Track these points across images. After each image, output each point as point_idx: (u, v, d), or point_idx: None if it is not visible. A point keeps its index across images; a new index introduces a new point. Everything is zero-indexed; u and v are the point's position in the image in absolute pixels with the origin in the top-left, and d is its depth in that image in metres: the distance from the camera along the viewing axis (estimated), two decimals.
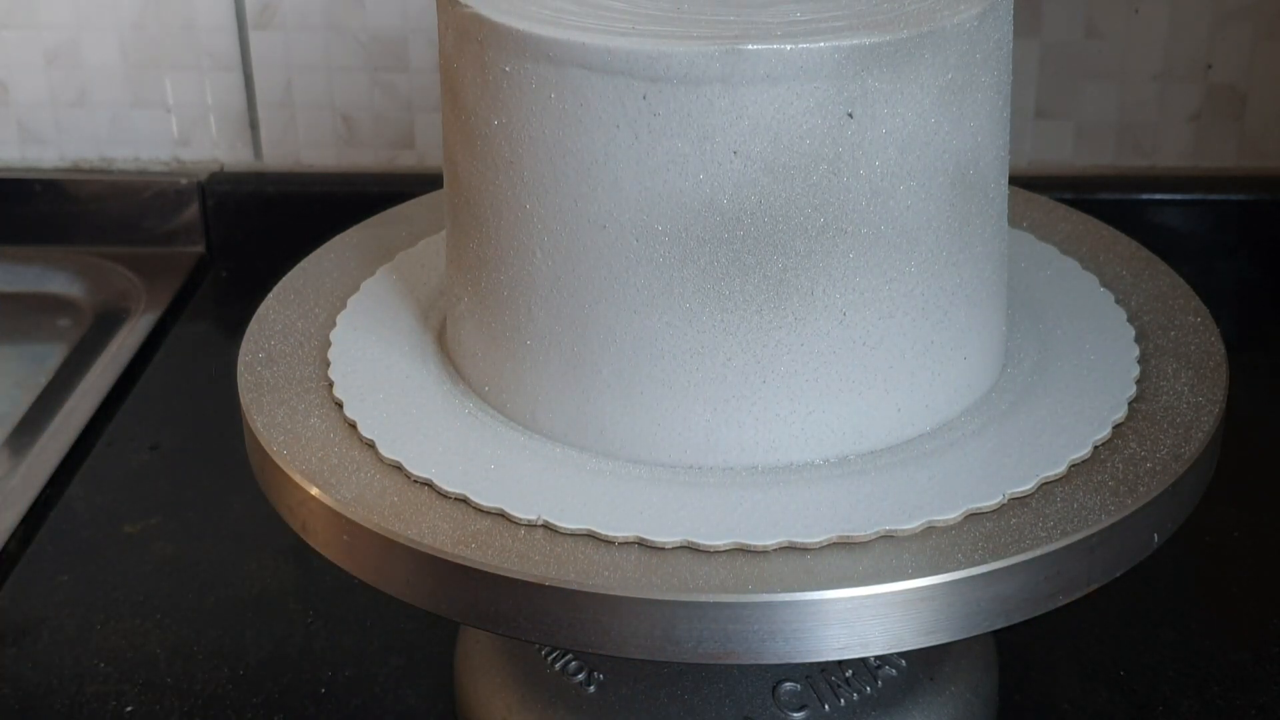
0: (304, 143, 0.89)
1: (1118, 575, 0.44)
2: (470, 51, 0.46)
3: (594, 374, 0.46)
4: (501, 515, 0.44)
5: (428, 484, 0.45)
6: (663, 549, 0.43)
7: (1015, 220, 0.58)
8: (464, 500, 0.45)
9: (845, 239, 0.44)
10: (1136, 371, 0.50)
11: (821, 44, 0.43)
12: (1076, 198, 0.71)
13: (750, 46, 0.42)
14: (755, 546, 0.42)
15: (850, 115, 0.43)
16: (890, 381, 0.46)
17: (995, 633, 0.53)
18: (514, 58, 0.45)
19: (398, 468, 0.46)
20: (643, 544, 0.43)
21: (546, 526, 0.43)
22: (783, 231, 0.44)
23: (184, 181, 0.89)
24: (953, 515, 0.43)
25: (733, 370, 0.45)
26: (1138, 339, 0.52)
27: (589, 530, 0.43)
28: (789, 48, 0.42)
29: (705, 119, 0.43)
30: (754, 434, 0.46)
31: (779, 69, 0.42)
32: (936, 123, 0.44)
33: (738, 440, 0.46)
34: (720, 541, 0.42)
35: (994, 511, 0.44)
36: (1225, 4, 0.82)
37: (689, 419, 0.46)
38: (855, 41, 0.43)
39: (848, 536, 0.43)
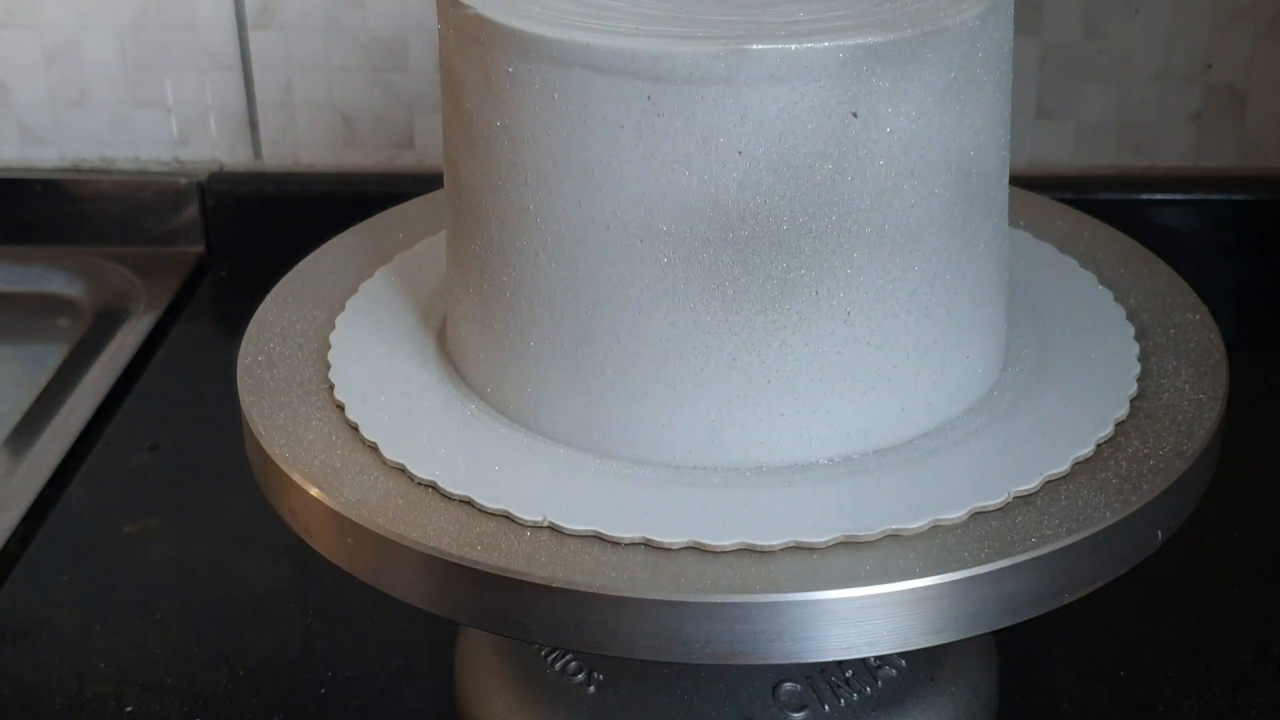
0: (304, 143, 0.89)
1: (1122, 573, 0.44)
2: (472, 53, 0.46)
3: (598, 375, 0.46)
4: (507, 517, 0.44)
5: (432, 486, 0.45)
6: (670, 550, 0.43)
7: (1014, 219, 0.58)
8: (469, 503, 0.45)
9: (849, 238, 0.44)
10: (1137, 369, 0.50)
11: (826, 43, 0.42)
12: (1076, 198, 0.71)
13: (755, 46, 0.42)
14: (762, 546, 0.42)
15: (854, 115, 0.43)
16: (894, 380, 0.46)
17: (995, 632, 0.53)
18: (517, 59, 0.45)
19: (401, 470, 0.46)
20: (649, 545, 0.43)
21: (552, 528, 0.43)
22: (787, 231, 0.44)
23: (184, 181, 0.89)
24: (958, 514, 0.43)
25: (737, 370, 0.45)
26: (1137, 337, 0.52)
27: (595, 531, 0.43)
28: (794, 47, 0.42)
29: (710, 119, 0.43)
30: (757, 434, 0.45)
31: (783, 69, 0.42)
32: (939, 122, 0.44)
33: (741, 440, 0.46)
34: (727, 542, 0.42)
35: (999, 510, 0.44)
36: (1225, 4, 0.82)
37: (693, 419, 0.46)
38: (859, 41, 0.43)
39: (854, 536, 0.43)
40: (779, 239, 0.44)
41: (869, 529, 0.43)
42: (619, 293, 0.45)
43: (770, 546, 0.42)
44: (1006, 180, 0.49)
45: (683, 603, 0.41)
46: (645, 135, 0.43)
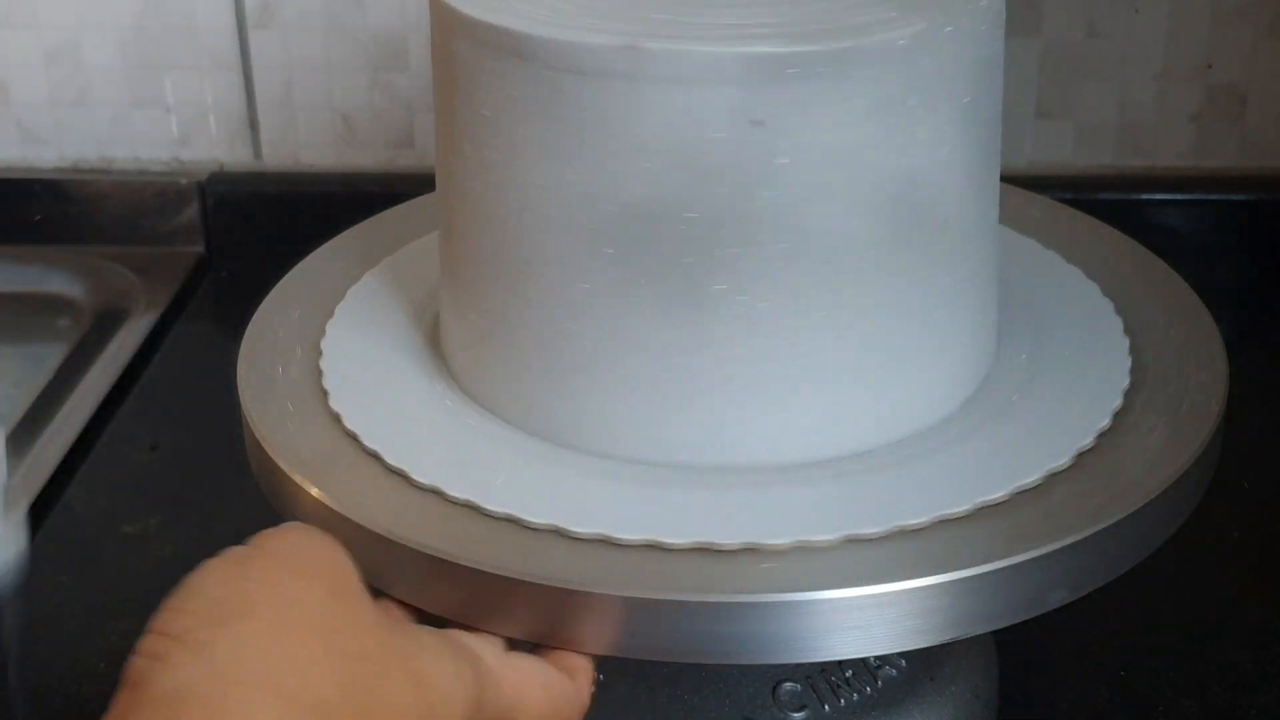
0: (304, 143, 0.89)
1: (1122, 573, 0.44)
2: (439, 40, 0.47)
3: (592, 377, 0.46)
4: (511, 520, 0.44)
5: (434, 490, 0.45)
6: (673, 550, 0.42)
7: (1014, 219, 0.58)
8: (469, 504, 0.44)
9: (760, 249, 0.43)
10: (1137, 367, 0.50)
11: (724, 49, 0.41)
12: (1076, 198, 0.70)
13: (650, 45, 0.42)
14: (767, 546, 0.42)
15: (758, 123, 0.42)
16: (892, 380, 0.46)
17: (995, 632, 0.53)
18: (464, 42, 0.45)
19: (401, 472, 0.46)
20: (653, 545, 0.43)
21: (556, 530, 0.43)
22: (701, 237, 0.43)
23: (184, 181, 0.89)
24: (960, 512, 0.43)
25: (734, 370, 0.45)
26: (1137, 336, 0.52)
27: (599, 533, 0.43)
28: (691, 49, 0.41)
29: (606, 113, 0.42)
30: (757, 434, 0.45)
31: (682, 70, 0.42)
32: (864, 140, 0.43)
33: (741, 440, 0.46)
34: (730, 541, 0.43)
35: (1000, 509, 0.44)
36: (1225, 4, 0.82)
37: (693, 419, 0.45)
38: (761, 50, 0.42)
39: (856, 535, 0.43)
40: (692, 243, 0.43)
41: (871, 528, 0.43)
42: (586, 297, 0.45)
43: (775, 546, 0.42)
44: (985, 195, 0.48)
45: (683, 603, 0.41)
46: (554, 125, 0.43)
